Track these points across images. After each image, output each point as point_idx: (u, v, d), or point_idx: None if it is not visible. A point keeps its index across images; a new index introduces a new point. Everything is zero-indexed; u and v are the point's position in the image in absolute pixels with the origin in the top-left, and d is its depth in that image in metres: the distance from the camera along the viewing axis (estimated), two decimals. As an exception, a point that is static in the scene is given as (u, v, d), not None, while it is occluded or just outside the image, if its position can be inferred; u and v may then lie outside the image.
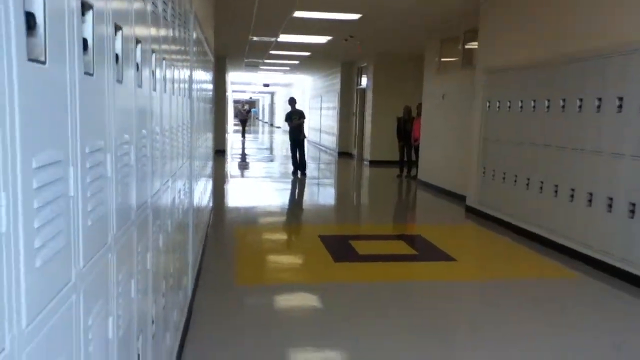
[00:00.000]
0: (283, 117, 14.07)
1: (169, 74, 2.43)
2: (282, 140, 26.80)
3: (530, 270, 5.36)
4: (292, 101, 12.39)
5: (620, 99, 4.90)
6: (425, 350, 3.41)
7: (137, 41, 1.65)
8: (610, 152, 5.04)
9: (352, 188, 12.17)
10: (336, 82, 18.55)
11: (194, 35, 3.92)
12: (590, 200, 5.29)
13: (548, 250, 5.84)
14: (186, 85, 3.37)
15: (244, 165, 15.41)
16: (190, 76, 3.65)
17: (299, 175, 11.91)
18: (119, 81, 1.41)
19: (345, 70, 17.75)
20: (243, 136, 26.38)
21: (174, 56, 2.67)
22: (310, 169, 13.88)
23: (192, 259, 3.97)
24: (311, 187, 11.23)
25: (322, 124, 21.40)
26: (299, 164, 12.05)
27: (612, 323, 3.99)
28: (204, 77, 5.28)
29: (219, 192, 9.76)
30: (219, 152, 16.30)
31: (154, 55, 1.96)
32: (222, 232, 6.73)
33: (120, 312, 1.43)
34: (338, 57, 16.59)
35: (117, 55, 1.38)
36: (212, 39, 7.78)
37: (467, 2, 8.01)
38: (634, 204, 4.71)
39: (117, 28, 1.38)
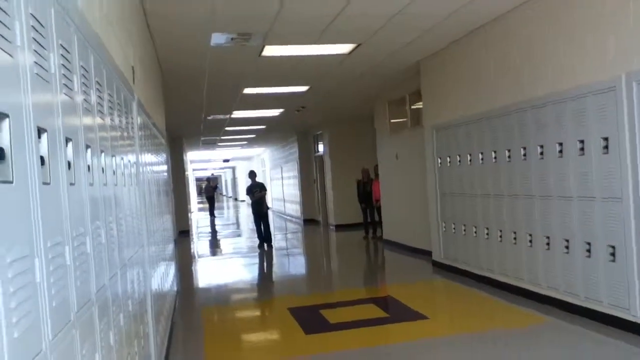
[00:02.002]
0: (245, 190, 14.11)
1: (109, 163, 2.42)
2: (246, 214, 26.67)
3: (501, 321, 5.35)
4: (252, 174, 12.53)
5: (560, 144, 5.12)
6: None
7: (68, 139, 1.65)
8: (557, 196, 5.21)
9: (319, 255, 12.10)
10: (294, 151, 18.83)
11: (139, 121, 3.95)
12: (548, 244, 5.40)
13: (516, 298, 5.86)
14: (133, 171, 3.36)
15: (210, 243, 15.18)
16: (137, 162, 3.64)
17: (265, 248, 11.81)
18: (46, 183, 1.40)
19: (302, 139, 18.08)
20: (212, 214, 25.22)
21: (114, 144, 2.67)
22: (277, 239, 13.79)
23: (155, 350, 3.82)
24: (279, 259, 11.11)
25: (284, 193, 21.49)
26: (264, 237, 11.98)
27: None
28: (155, 160, 5.28)
29: (184, 274, 9.54)
30: (183, 233, 16.09)
31: (89, 149, 1.96)
32: (189, 316, 6.53)
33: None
34: (293, 127, 16.93)
35: (42, 158, 1.38)
36: (162, 122, 7.84)
37: (408, 65, 8.38)
38: (589, 243, 4.82)
39: (41, 130, 1.39)
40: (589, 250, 4.84)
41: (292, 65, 7.86)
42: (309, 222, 17.61)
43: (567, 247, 5.12)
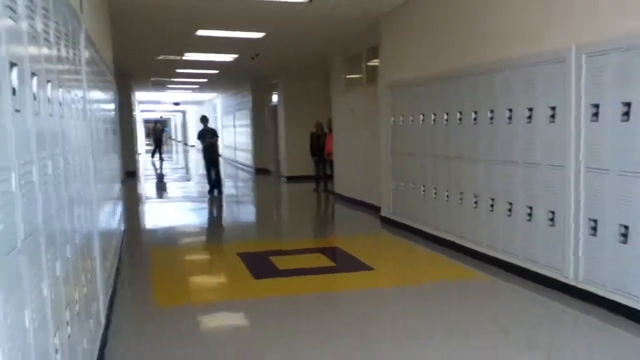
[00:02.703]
0: (195, 135, 13.86)
1: (56, 96, 2.30)
2: (196, 159, 26.27)
3: (442, 274, 5.56)
4: (204, 119, 12.34)
5: (510, 110, 5.24)
6: (349, 356, 3.42)
7: (12, 64, 1.55)
8: (503, 161, 5.36)
9: (270, 204, 12.12)
10: (248, 99, 18.51)
11: (86, 54, 3.75)
12: (492, 206, 5.58)
13: (458, 255, 6.09)
14: (80, 106, 3.21)
15: (158, 186, 14.91)
16: (84, 97, 3.48)
17: (215, 194, 11.71)
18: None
19: (256, 87, 17.74)
20: (159, 156, 25.19)
21: (62, 77, 2.54)
22: (228, 186, 13.70)
23: (102, 284, 3.77)
24: (229, 205, 11.06)
25: (236, 141, 21.22)
26: (215, 183, 11.90)
27: (520, 319, 4.22)
28: (102, 97, 5.08)
29: (131, 215, 9.37)
30: (130, 174, 15.71)
31: (35, 78, 1.85)
32: (137, 256, 6.46)
33: (13, 344, 1.35)
34: (247, 74, 16.57)
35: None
36: (110, 58, 7.49)
37: (367, 20, 8.28)
38: (530, 207, 5.02)
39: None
40: (530, 214, 5.04)
41: (249, 8, 7.60)
42: (260, 171, 17.53)
43: (509, 210, 5.31)
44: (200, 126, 12.36)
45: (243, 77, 17.11)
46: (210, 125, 12.45)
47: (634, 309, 3.98)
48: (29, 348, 1.55)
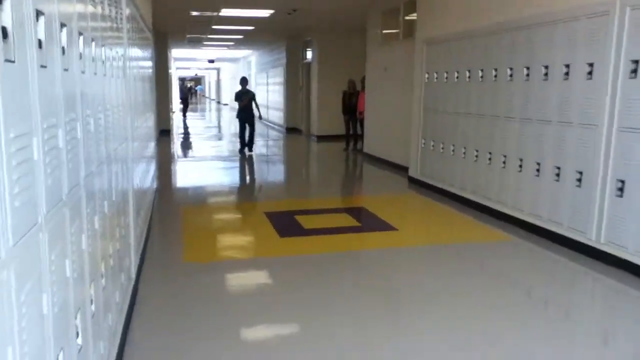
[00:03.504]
0: (232, 95, 14.01)
1: (99, 54, 2.44)
2: (229, 118, 26.51)
3: (467, 235, 5.65)
4: (243, 81, 12.44)
5: (546, 67, 5.17)
6: (375, 316, 3.59)
7: (62, 24, 1.67)
8: (537, 120, 5.33)
9: (299, 164, 12.28)
10: (282, 56, 18.44)
11: (127, 12, 3.87)
12: (520, 166, 5.59)
13: (484, 216, 6.15)
14: (120, 64, 3.35)
15: (190, 144, 15.22)
16: (125, 55, 3.62)
17: (245, 154, 11.97)
18: (43, 66, 1.44)
19: (291, 45, 17.66)
20: (184, 115, 25.57)
21: (104, 34, 2.66)
22: (258, 145, 13.88)
23: (135, 240, 4.00)
24: (259, 165, 11.26)
25: (268, 99, 21.30)
26: (248, 142, 12.20)
27: (540, 279, 4.31)
28: (141, 55, 5.21)
29: (164, 173, 9.67)
30: (164, 132, 16.05)
31: (81, 37, 1.98)
32: (167, 213, 6.72)
33: (55, 289, 1.49)
34: (283, 31, 16.48)
35: (39, 41, 1.41)
36: (149, 15, 7.61)
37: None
38: (559, 168, 5.02)
39: (39, 13, 1.41)
40: (558, 175, 5.05)
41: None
42: (291, 130, 17.64)
43: (538, 170, 5.32)
44: (236, 84, 12.57)
45: (278, 33, 17.02)
46: (249, 87, 12.72)
47: (655, 271, 4.02)
48: (68, 296, 1.69)
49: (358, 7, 11.11)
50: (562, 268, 4.63)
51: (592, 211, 4.61)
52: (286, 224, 5.97)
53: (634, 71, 4.20)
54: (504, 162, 5.87)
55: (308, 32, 15.72)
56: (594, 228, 4.59)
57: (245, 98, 11.96)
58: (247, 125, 12.08)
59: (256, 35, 17.09)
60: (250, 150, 12.27)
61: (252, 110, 12.02)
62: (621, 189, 4.32)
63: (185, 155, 12.95)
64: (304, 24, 14.43)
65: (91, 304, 2.06)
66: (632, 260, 4.22)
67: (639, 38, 4.14)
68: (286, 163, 12.16)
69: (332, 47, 14.70)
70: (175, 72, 33.25)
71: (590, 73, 4.65)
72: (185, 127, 20.34)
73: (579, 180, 4.77)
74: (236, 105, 12.36)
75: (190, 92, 29.19)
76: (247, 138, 12.19)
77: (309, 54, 16.22)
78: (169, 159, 11.92)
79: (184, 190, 8.49)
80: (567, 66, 4.91)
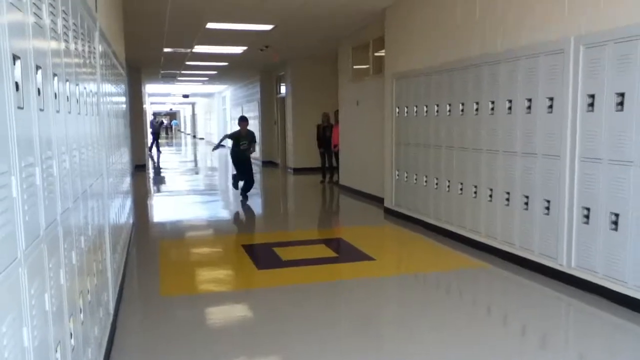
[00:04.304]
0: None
1: (73, 92, 2.48)
2: (205, 152, 26.51)
3: (443, 264, 5.73)
4: (242, 120, 10.50)
5: (510, 101, 5.37)
6: (352, 344, 3.60)
7: (37, 67, 1.72)
8: (503, 151, 5.51)
9: (276, 196, 12.32)
10: (256, 91, 18.66)
11: (100, 49, 3.93)
12: (490, 196, 5.74)
13: (458, 245, 6.25)
14: (94, 101, 3.40)
15: (166, 179, 15.15)
16: (98, 92, 3.66)
17: (239, 192, 10.66)
18: (20, 107, 1.49)
19: (265, 79, 17.91)
20: (157, 150, 25.02)
21: (78, 72, 2.71)
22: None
23: (112, 275, 3.97)
24: (236, 198, 11.26)
25: (244, 133, 21.38)
26: (246, 186, 10.58)
27: (515, 306, 4.38)
28: (114, 91, 5.26)
29: (140, 208, 9.61)
30: (140, 167, 15.97)
31: (55, 77, 2.03)
32: (144, 248, 6.67)
33: (35, 323, 1.51)
34: (256, 66, 16.73)
35: (16, 83, 1.46)
36: (122, 51, 7.69)
37: (373, 11, 8.40)
38: (527, 197, 5.17)
39: (16, 57, 1.46)
40: (527, 203, 5.19)
41: (259, 2, 7.76)
42: (267, 164, 17.73)
43: (507, 200, 5.47)
44: (209, 119, 12.48)
45: (252, 69, 17.27)
46: (246, 127, 10.33)
47: (622, 294, 4.14)
48: (48, 329, 1.71)
49: (328, 43, 11.39)
50: (536, 294, 4.72)
51: (561, 238, 4.74)
52: (264, 256, 5.98)
53: (591, 104, 4.41)
54: (475, 192, 6.02)
55: (282, 67, 15.98)
56: (564, 254, 4.71)
57: (243, 143, 10.24)
58: (245, 170, 10.38)
59: (230, 71, 17.31)
60: (246, 193, 10.58)
61: (247, 153, 10.30)
62: (587, 216, 4.47)
63: (161, 190, 12.88)
64: (276, 61, 14.68)
65: (70, 337, 2.07)
66: (601, 284, 4.34)
67: (594, 74, 4.36)
68: (263, 196, 12.18)
69: (305, 80, 14.95)
70: (150, 107, 33.22)
71: (550, 107, 4.85)
72: (159, 162, 20.24)
73: (547, 208, 4.92)
74: (226, 142, 11.12)
75: (161, 127, 28.74)
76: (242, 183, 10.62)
77: (283, 89, 16.46)
78: (145, 194, 11.84)
79: (161, 224, 8.44)
80: (529, 100, 5.11)
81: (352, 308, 4.39)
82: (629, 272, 4.08)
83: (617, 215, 4.17)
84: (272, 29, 9.83)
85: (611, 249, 4.23)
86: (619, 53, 4.11)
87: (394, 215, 8.16)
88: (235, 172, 10.81)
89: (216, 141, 11.98)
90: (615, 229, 4.18)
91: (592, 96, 4.39)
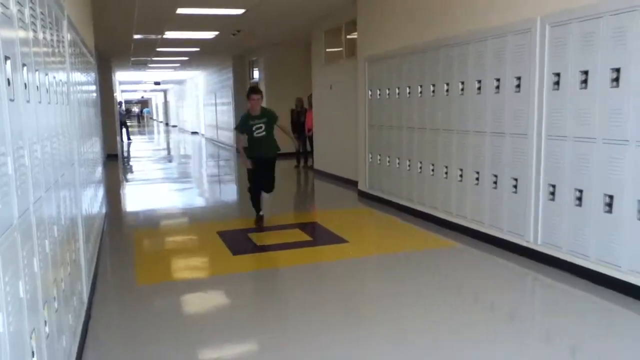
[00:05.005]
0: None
1: (43, 82, 2.48)
2: (178, 140, 26.26)
3: (415, 244, 5.85)
4: (253, 93, 6.60)
5: (479, 81, 5.48)
6: (331, 325, 3.69)
7: (6, 57, 1.73)
8: (474, 131, 5.62)
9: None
10: (229, 76, 18.51)
11: (69, 37, 3.89)
12: (461, 176, 5.87)
13: (431, 225, 6.38)
14: (64, 90, 3.38)
15: (139, 168, 15.00)
16: (68, 81, 3.64)
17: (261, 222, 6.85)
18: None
19: (237, 64, 17.76)
20: (128, 138, 24.63)
21: (47, 61, 2.70)
22: (209, 166, 13.73)
23: (86, 264, 3.98)
24: (212, 185, 11.25)
25: (218, 120, 21.26)
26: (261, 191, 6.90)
27: (485, 282, 4.53)
28: (84, 80, 5.21)
29: (113, 198, 9.53)
30: (112, 157, 15.77)
31: (24, 67, 2.03)
32: (118, 237, 6.65)
33: (10, 309, 1.54)
34: (229, 51, 16.57)
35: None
36: (91, 39, 7.57)
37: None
38: (496, 176, 5.31)
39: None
40: (495, 182, 5.33)
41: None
42: (242, 149, 17.64)
43: (477, 179, 5.60)
44: (185, 105, 12.09)
45: (225, 54, 17.10)
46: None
47: (586, 268, 4.31)
48: (23, 316, 1.73)
49: (301, 27, 11.35)
50: (504, 270, 4.87)
51: (528, 215, 4.89)
52: (239, 242, 6.02)
53: (557, 83, 4.53)
54: (446, 173, 6.14)
55: (254, 52, 15.87)
56: (531, 231, 4.87)
57: (258, 125, 6.55)
58: (263, 175, 6.75)
59: (202, 56, 17.11)
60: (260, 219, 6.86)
61: (273, 145, 6.75)
62: (553, 193, 4.62)
63: (134, 179, 12.77)
64: (249, 44, 14.58)
65: (45, 325, 2.09)
66: (565, 259, 4.51)
67: (559, 53, 4.48)
68: (238, 182, 12.17)
69: (278, 65, 14.89)
70: (121, 95, 32.67)
71: (518, 86, 4.97)
72: (129, 151, 19.99)
73: (515, 186, 5.06)
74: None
75: (129, 115, 28.17)
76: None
77: (256, 74, 16.36)
78: (118, 183, 11.72)
79: (135, 214, 8.39)
80: (498, 80, 5.22)
81: (326, 290, 4.47)
82: (592, 247, 4.25)
83: (581, 191, 4.32)
84: (244, 13, 9.75)
85: (575, 225, 4.39)
86: (583, 31, 4.22)
87: (368, 198, 8.27)
88: (253, 192, 6.84)
89: (193, 129, 10.44)
90: (580, 205, 4.34)
91: (558, 75, 4.50)
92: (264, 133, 6.56)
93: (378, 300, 4.18)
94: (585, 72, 4.23)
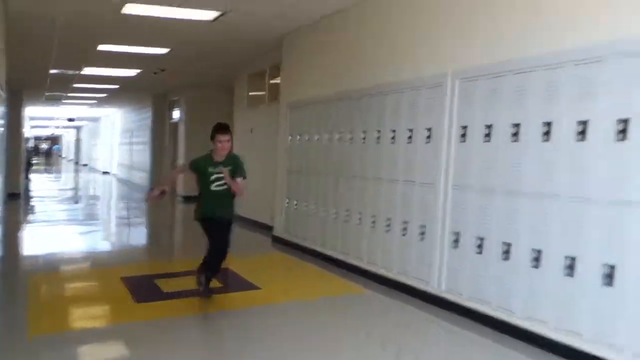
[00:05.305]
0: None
1: None
2: (88, 180, 25.13)
3: (324, 291, 5.81)
4: (220, 132, 5.20)
5: (393, 131, 5.65)
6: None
7: None
8: (387, 179, 5.76)
9: (162, 225, 11.89)
10: (148, 115, 18.10)
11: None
12: (374, 222, 5.95)
13: (343, 272, 6.38)
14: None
15: (43, 208, 14.09)
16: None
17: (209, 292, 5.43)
18: None
19: (158, 103, 17.42)
20: (26, 177, 23.08)
21: None
22: (119, 208, 13.12)
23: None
24: (120, 228, 10.74)
25: (133, 160, 20.58)
26: (212, 267, 5.37)
27: (390, 328, 4.53)
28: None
29: (10, 240, 8.83)
30: (14, 196, 14.74)
31: None
32: (12, 283, 6.12)
33: None
34: (149, 90, 16.26)
35: None
36: (2, 73, 7.14)
37: (270, 39, 8.52)
38: (406, 222, 5.42)
39: None
40: (405, 229, 5.44)
41: (154, 26, 7.60)
42: (157, 191, 17.10)
43: (388, 226, 5.70)
44: (101, 143, 11.60)
45: (145, 92, 16.75)
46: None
47: (486, 314, 4.43)
48: None
49: (225, 69, 11.36)
50: (410, 316, 4.92)
51: (434, 262, 5.01)
52: (144, 289, 5.72)
53: (463, 135, 4.75)
54: (360, 219, 6.21)
55: (176, 91, 15.66)
56: (435, 277, 4.98)
57: (220, 178, 5.05)
58: (221, 236, 5.32)
59: (121, 94, 16.66)
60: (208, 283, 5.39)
61: (232, 203, 5.37)
62: (456, 241, 4.77)
63: (36, 219, 11.96)
64: (171, 84, 14.39)
65: None
66: (467, 305, 4.63)
67: (467, 107, 4.72)
68: (148, 225, 11.71)
69: (200, 106, 14.71)
70: (30, 131, 30.99)
71: (429, 137, 5.17)
72: (29, 190, 18.77)
73: (422, 234, 5.19)
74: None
75: (37, 152, 26.59)
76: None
77: (176, 114, 16.10)
78: (17, 224, 10.92)
79: (33, 257, 7.79)
80: (411, 130, 5.41)
81: (232, 338, 4.30)
82: (491, 294, 4.38)
83: (481, 239, 4.49)
84: (168, 52, 9.64)
85: (476, 272, 4.54)
86: (489, 88, 4.47)
87: (282, 243, 8.18)
88: (213, 255, 5.33)
89: (105, 169, 10.10)
90: (480, 252, 4.50)
91: (465, 127, 4.73)
92: (225, 187, 4.98)
93: (283, 347, 4.07)
94: (489, 126, 4.47)
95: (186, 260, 7.41)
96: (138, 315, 4.85)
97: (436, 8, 5.19)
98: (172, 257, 8.20)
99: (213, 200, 5.13)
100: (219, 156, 5.07)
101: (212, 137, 5.15)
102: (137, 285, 5.82)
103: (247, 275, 6.27)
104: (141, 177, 18.82)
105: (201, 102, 14.69)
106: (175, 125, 16.23)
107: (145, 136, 18.44)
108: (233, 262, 7.41)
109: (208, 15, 7.07)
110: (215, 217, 5.14)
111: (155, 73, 11.99)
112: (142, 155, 18.79)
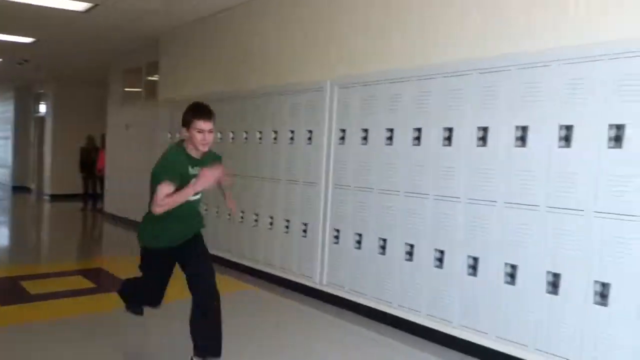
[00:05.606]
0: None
1: None
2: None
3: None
4: (203, 114, 3.56)
5: (275, 132, 5.76)
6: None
7: None
8: (270, 178, 5.85)
9: (29, 225, 10.99)
10: (9, 109, 16.62)
11: None
12: (256, 220, 6.02)
13: (227, 270, 6.35)
14: None
15: None
16: None
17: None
18: None
19: (21, 97, 16.04)
20: None
21: None
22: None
23: None
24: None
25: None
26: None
27: (271, 325, 4.62)
28: None
29: None
30: None
31: None
32: None
33: None
34: (11, 81, 14.93)
35: None
36: None
37: (147, 36, 8.24)
38: (288, 221, 5.56)
39: None
40: (287, 227, 5.57)
41: (17, 11, 7.01)
42: (19, 189, 15.76)
43: (271, 224, 5.79)
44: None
45: (6, 83, 15.34)
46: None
47: (365, 305, 4.70)
48: None
49: (98, 63, 10.78)
50: (293, 311, 5.05)
51: (315, 257, 5.19)
52: (8, 291, 5.29)
53: (342, 138, 4.99)
54: (242, 217, 6.24)
55: (42, 84, 14.53)
56: (317, 273, 5.16)
57: (203, 174, 3.31)
58: (199, 258, 3.64)
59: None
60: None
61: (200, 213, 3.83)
62: (337, 237, 4.99)
63: None
64: (37, 75, 13.34)
65: None
66: (347, 297, 4.87)
67: (345, 111, 4.96)
68: (12, 225, 10.76)
69: (69, 100, 13.81)
70: None
71: (310, 139, 5.35)
72: None
73: (305, 231, 5.35)
74: None
75: None
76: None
77: (43, 108, 14.95)
78: None
79: None
80: (292, 132, 5.55)
81: (102, 342, 4.13)
82: (370, 286, 4.65)
83: (360, 235, 4.74)
84: (34, 42, 8.93)
85: (355, 265, 4.79)
86: (365, 94, 4.74)
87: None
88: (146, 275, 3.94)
89: None
90: (359, 248, 4.75)
91: (344, 130, 4.97)
92: (199, 195, 3.55)
93: (151, 346, 3.99)
94: (366, 130, 4.74)
95: (54, 262, 6.99)
96: (3, 320, 4.48)
97: (320, 21, 5.38)
98: (39, 258, 7.63)
99: (186, 216, 3.55)
100: (196, 152, 3.47)
101: (187, 124, 3.44)
102: (1, 287, 5.36)
103: (122, 275, 5.98)
104: (2, 174, 17.22)
105: (71, 96, 13.81)
106: (41, 119, 15.06)
107: (6, 130, 16.91)
108: (106, 262, 7.11)
109: (79, 5, 6.70)
110: (185, 235, 3.56)
111: (20, 64, 11.07)
112: (3, 151, 17.21)
